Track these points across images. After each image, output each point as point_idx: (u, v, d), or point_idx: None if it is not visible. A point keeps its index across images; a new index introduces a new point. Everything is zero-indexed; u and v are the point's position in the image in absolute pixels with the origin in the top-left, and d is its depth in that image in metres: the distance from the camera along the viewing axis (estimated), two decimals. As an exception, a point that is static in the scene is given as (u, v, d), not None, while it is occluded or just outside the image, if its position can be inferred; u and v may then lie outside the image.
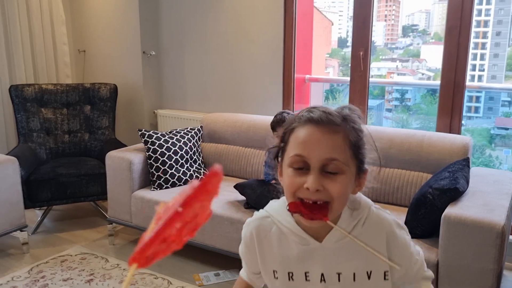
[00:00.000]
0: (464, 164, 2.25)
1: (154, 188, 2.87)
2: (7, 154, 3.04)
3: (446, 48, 2.71)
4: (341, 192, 0.90)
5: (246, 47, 3.44)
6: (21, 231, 2.90)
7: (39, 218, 3.34)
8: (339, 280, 0.99)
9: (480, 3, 4.39)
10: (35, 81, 3.86)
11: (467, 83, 2.76)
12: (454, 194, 2.01)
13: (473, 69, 4.38)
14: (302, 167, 0.91)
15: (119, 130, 3.89)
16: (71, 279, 2.59)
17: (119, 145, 3.44)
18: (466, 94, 4.43)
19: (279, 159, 0.99)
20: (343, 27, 5.22)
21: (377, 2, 4.93)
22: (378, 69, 4.94)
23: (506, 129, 4.51)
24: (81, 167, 3.27)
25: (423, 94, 4.94)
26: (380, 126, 2.78)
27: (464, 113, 4.50)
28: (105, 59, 4.10)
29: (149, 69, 3.92)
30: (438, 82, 2.82)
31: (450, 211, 1.91)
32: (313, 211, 0.89)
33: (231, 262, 2.70)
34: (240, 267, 2.68)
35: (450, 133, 2.72)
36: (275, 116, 2.55)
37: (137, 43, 3.83)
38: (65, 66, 4.06)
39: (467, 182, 2.15)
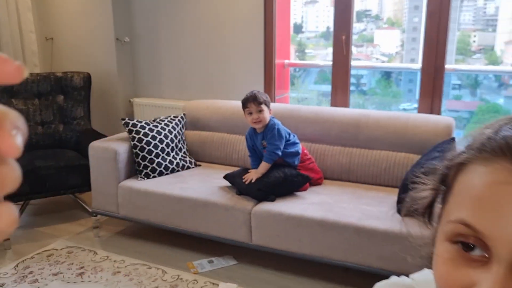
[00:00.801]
0: (450, 143, 2.35)
1: (141, 177, 2.82)
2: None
3: (427, 33, 2.79)
4: None
5: (226, 32, 3.41)
6: (2, 227, 2.78)
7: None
8: None
9: None
10: (1, 71, 3.67)
11: (447, 65, 2.87)
12: (447, 172, 2.10)
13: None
14: (474, 250, 0.44)
15: (94, 120, 3.77)
16: (61, 273, 2.52)
17: (96, 135, 3.34)
18: (419, 77, 4.60)
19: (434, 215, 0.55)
20: (298, 12, 5.27)
21: None
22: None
23: (457, 111, 4.68)
24: (60, 159, 3.16)
25: (378, 78, 5.07)
26: (365, 109, 2.84)
27: (417, 97, 4.65)
28: (75, 46, 3.95)
29: (123, 56, 3.82)
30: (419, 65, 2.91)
31: (445, 188, 2.00)
32: None
33: (224, 248, 2.71)
34: (232, 253, 2.70)
35: (431, 114, 2.82)
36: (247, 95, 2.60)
37: (110, 30, 3.72)
38: (33, 55, 3.88)
39: (456, 161, 2.24)
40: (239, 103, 3.18)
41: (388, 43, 4.73)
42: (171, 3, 3.58)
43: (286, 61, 3.64)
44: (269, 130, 2.54)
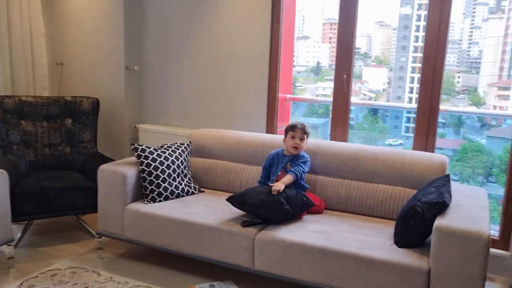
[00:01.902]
0: (446, 180, 2.50)
1: (147, 201, 2.91)
2: (-9, 167, 2.98)
3: (423, 75, 2.98)
4: None
5: (232, 65, 3.58)
6: (8, 245, 2.84)
7: (20, 233, 3.27)
8: None
9: (417, 30, 4.71)
10: (12, 93, 3.79)
11: (442, 106, 3.05)
12: (442, 207, 2.23)
13: (411, 91, 4.66)
14: None
15: (100, 143, 3.88)
16: (66, 293, 2.57)
17: (102, 158, 3.44)
18: (405, 115, 4.73)
19: None
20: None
21: (322, 25, 5.23)
22: (323, 89, 5.20)
23: (441, 149, 4.83)
24: (66, 181, 3.24)
25: (365, 114, 5.23)
26: (367, 145, 2.99)
27: (402, 133, 4.78)
28: (85, 72, 4.09)
29: (131, 84, 3.96)
30: (414, 105, 3.08)
31: (441, 222, 2.13)
32: None
33: (226, 273, 2.79)
34: (233, 278, 2.80)
35: (426, 151, 2.98)
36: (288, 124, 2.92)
37: (120, 58, 3.87)
38: (43, 79, 4.01)
39: (450, 196, 2.39)
40: (243, 133, 3.33)
41: (376, 80, 4.91)
42: (181, 36, 3.76)
43: (288, 96, 3.81)
44: (300, 157, 2.85)
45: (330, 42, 5.12)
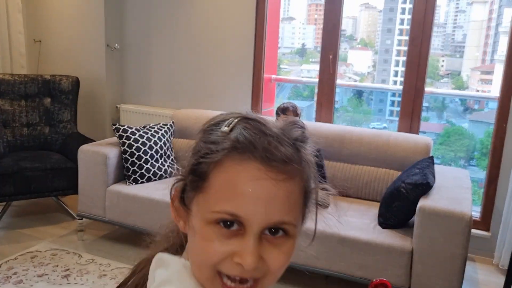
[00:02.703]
0: (430, 162, 2.51)
1: (129, 182, 2.86)
2: (-33, 146, 2.88)
3: (409, 57, 2.97)
4: (284, 265, 0.61)
5: (217, 45, 3.52)
6: (-15, 227, 2.77)
7: (-3, 214, 3.20)
8: None
9: (403, 12, 4.67)
10: (-12, 70, 3.67)
11: (427, 88, 3.05)
12: (426, 188, 2.24)
13: (396, 75, 4.59)
14: (232, 226, 0.58)
15: (80, 124, 3.79)
16: (46, 274, 2.53)
17: (83, 139, 3.36)
18: (389, 99, 4.71)
19: (186, 199, 0.64)
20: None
21: (307, 6, 5.14)
22: (308, 71, 5.14)
23: (424, 132, 4.85)
24: (46, 161, 3.16)
25: (350, 97, 5.22)
26: (350, 126, 2.98)
27: (386, 117, 4.77)
28: (64, 50, 3.97)
29: (112, 63, 3.87)
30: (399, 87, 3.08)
31: (424, 203, 2.14)
32: None
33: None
34: None
35: (410, 133, 2.98)
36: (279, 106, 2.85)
37: (101, 36, 3.76)
38: (20, 56, 3.88)
39: (434, 178, 2.40)
40: (227, 114, 3.28)
41: (361, 63, 4.88)
42: (162, 13, 3.67)
43: (273, 76, 3.76)
44: None
45: (315, 24, 5.01)
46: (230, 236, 0.58)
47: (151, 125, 3.14)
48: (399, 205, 2.30)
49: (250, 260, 0.56)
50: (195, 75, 3.64)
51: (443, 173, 2.66)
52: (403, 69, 4.57)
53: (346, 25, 5.10)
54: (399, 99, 4.68)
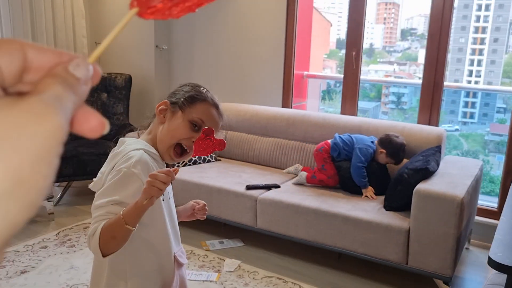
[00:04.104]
0: (436, 150, 2.65)
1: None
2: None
3: (428, 52, 3.10)
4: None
5: (251, 44, 3.82)
6: (48, 201, 3.27)
7: (60, 193, 3.72)
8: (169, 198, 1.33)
9: (479, 9, 4.51)
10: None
11: (446, 82, 3.16)
12: (425, 173, 2.40)
13: (470, 74, 4.51)
14: (196, 127, 1.20)
15: (132, 116, 4.26)
16: (94, 242, 2.96)
17: (133, 130, 3.80)
18: (462, 100, 4.62)
19: (174, 107, 1.22)
20: (342, 28, 5.29)
21: (376, 5, 5.08)
22: (375, 72, 5.07)
23: (500, 135, 4.55)
24: (99, 147, 3.63)
25: (419, 98, 5.14)
26: (368, 118, 3.16)
27: (459, 119, 4.67)
28: (119, 51, 4.46)
29: (161, 62, 4.29)
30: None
31: (421, 186, 2.30)
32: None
33: (233, 231, 3.09)
34: (241, 236, 3.09)
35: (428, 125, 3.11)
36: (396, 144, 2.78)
37: (151, 38, 4.20)
38: (83, 57, 4.41)
39: (438, 165, 2.54)
40: (257, 107, 3.58)
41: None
42: (206, 18, 4.03)
43: (305, 73, 4.00)
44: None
45: (384, 23, 5.00)
46: (193, 131, 1.19)
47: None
48: (401, 189, 2.47)
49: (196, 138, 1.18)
50: (231, 72, 3.97)
51: (453, 162, 2.78)
52: (479, 68, 4.48)
53: (417, 23, 4.97)
54: (474, 99, 4.57)
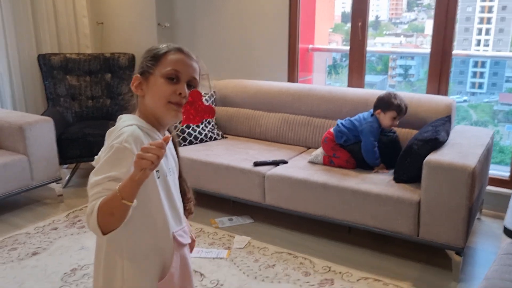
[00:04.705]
0: (446, 120, 2.59)
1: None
2: (40, 116, 3.39)
3: (436, 19, 3.01)
4: None
5: (254, 19, 3.74)
6: (57, 183, 3.28)
7: (68, 175, 3.72)
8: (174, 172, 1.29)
9: None
10: (58, 51, 4.18)
11: (455, 51, 3.08)
12: (435, 143, 2.35)
13: (478, 44, 4.36)
14: (173, 80, 1.16)
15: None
16: (104, 222, 2.97)
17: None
18: (470, 70, 4.52)
19: (145, 75, 1.19)
20: (347, 1, 5.20)
21: None
22: (382, 44, 4.99)
23: (509, 105, 4.47)
24: (105, 129, 3.57)
25: (427, 69, 5.05)
26: (375, 90, 3.10)
27: (467, 89, 4.58)
28: (122, 30, 4.40)
29: (164, 40, 4.22)
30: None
31: (431, 157, 2.26)
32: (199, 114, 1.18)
33: (242, 208, 3.08)
34: (250, 213, 3.08)
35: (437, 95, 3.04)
36: (383, 96, 2.72)
37: (153, 16, 4.13)
38: (85, 37, 4.36)
39: (448, 135, 2.49)
40: (262, 83, 3.53)
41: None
42: (206, -8, 3.95)
43: (310, 46, 3.93)
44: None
45: None
46: (173, 84, 1.17)
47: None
48: (410, 161, 2.43)
49: (184, 90, 1.17)
50: (235, 48, 3.90)
51: (464, 132, 2.73)
52: (487, 37, 4.35)
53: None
54: (483, 69, 4.46)
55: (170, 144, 1.31)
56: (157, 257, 1.23)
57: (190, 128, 3.27)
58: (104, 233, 1.05)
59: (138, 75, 1.22)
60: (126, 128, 1.15)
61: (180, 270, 1.29)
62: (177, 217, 1.28)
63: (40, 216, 3.08)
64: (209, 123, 3.43)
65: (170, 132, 1.33)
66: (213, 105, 3.59)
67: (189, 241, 1.34)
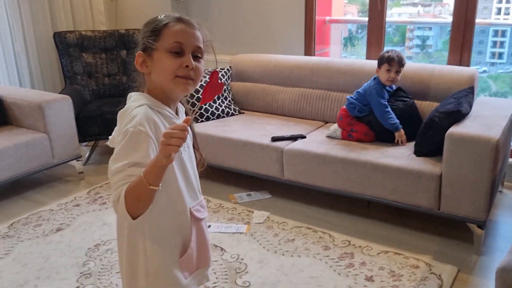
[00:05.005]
0: (468, 91, 2.53)
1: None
2: (58, 94, 3.41)
3: (458, -13, 2.90)
4: (202, 72, 1.18)
5: (270, -9, 3.66)
6: (77, 160, 3.32)
7: (88, 153, 3.77)
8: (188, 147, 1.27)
9: None
10: (73, 28, 4.17)
11: (478, 19, 2.98)
12: (457, 115, 2.30)
13: (498, 12, 4.20)
14: (178, 54, 1.12)
15: (153, 73, 4.21)
16: (124, 199, 3.01)
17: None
18: (490, 40, 4.40)
19: (148, 51, 1.15)
20: None
21: None
22: (398, 15, 4.90)
23: None
24: (123, 106, 3.62)
25: (445, 40, 4.92)
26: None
27: (487, 59, 4.47)
28: (136, 6, 4.36)
29: (178, 15, 4.18)
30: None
31: (453, 130, 2.22)
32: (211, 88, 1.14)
33: (261, 184, 3.09)
34: (268, 188, 3.07)
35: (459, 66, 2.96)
36: (385, 53, 2.72)
37: (166, -10, 4.08)
38: (100, 14, 4.34)
39: (470, 106, 2.43)
40: (279, 57, 3.48)
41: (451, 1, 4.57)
42: (220, -36, 3.87)
43: (327, 18, 3.84)
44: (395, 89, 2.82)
45: None
46: (178, 57, 1.13)
47: (209, 70, 3.43)
48: (432, 134, 2.39)
49: (190, 62, 1.13)
50: (251, 22, 3.84)
51: (487, 104, 2.66)
52: (508, 5, 4.22)
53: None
54: (503, 39, 4.35)
55: (183, 115, 1.28)
56: (178, 234, 1.24)
57: (207, 104, 3.26)
58: (134, 218, 1.07)
59: (141, 52, 1.18)
60: (137, 109, 1.13)
61: (197, 244, 1.30)
62: (193, 192, 1.28)
63: (62, 193, 3.14)
64: (225, 98, 3.41)
65: (182, 104, 1.31)
66: (229, 80, 3.56)
67: (206, 215, 1.34)
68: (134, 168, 1.06)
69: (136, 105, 1.14)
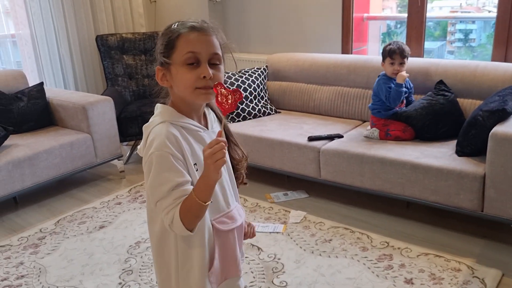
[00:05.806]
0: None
1: (228, 121, 3.25)
2: (101, 95, 3.52)
3: (503, -20, 2.79)
4: (222, 78, 1.14)
5: (306, -11, 3.65)
6: (118, 160, 3.42)
7: (128, 152, 3.87)
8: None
9: None
10: (114, 31, 4.29)
11: (524, 13, 2.85)
12: (502, 114, 2.22)
13: None
14: (193, 64, 1.10)
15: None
16: (164, 197, 3.08)
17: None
18: None
19: (166, 66, 1.13)
20: None
21: None
22: (440, 8, 4.78)
23: None
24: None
25: (489, 33, 4.75)
26: (435, 59, 2.95)
27: None
28: (174, 7, 4.44)
29: (215, 15, 4.22)
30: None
31: (498, 129, 2.14)
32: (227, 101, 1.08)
33: (298, 183, 3.08)
34: (305, 188, 3.06)
35: (504, 62, 2.85)
36: (386, 46, 2.75)
37: (204, -9, 4.13)
38: (140, 17, 4.45)
39: (516, 105, 2.34)
40: (315, 55, 3.46)
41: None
42: (257, -36, 3.88)
43: (365, 15, 3.79)
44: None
45: None
46: (194, 68, 1.10)
47: (245, 70, 3.46)
48: (475, 133, 2.31)
49: (207, 72, 1.10)
50: (287, 21, 3.83)
51: (534, 101, 2.55)
52: None
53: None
54: None
55: (213, 123, 1.26)
56: (202, 248, 1.20)
57: (244, 104, 3.28)
58: (192, 231, 1.11)
59: (159, 67, 1.17)
60: (157, 128, 1.13)
61: (221, 257, 1.25)
62: (218, 204, 1.23)
63: (104, 192, 3.24)
64: (262, 98, 3.43)
65: (213, 110, 1.29)
66: (266, 80, 3.57)
67: (237, 224, 1.27)
68: (176, 190, 1.08)
69: (158, 122, 1.15)
